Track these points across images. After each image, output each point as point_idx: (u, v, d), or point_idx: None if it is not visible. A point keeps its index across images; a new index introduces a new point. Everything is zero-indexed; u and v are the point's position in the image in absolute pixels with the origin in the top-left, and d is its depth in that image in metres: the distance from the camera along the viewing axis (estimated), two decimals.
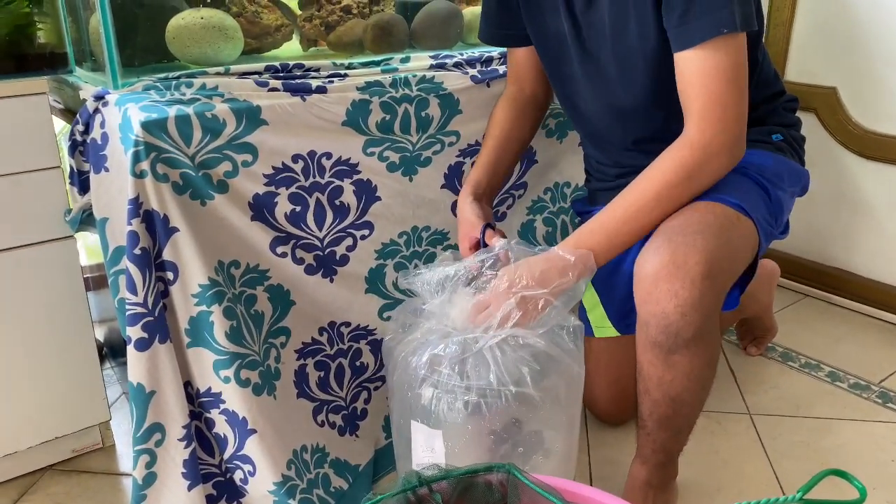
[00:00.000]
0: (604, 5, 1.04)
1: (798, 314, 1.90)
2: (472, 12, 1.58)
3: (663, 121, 1.02)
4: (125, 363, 1.11)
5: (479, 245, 1.14)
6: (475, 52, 1.46)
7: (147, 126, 1.03)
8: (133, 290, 1.06)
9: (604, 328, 1.33)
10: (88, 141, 1.15)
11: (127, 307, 1.07)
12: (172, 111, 1.06)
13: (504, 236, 1.14)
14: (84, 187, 1.19)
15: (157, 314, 1.08)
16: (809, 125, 1.86)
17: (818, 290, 1.96)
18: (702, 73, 0.93)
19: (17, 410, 1.27)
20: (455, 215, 1.42)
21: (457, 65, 1.39)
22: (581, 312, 1.39)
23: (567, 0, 1.09)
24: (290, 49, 1.48)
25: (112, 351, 1.70)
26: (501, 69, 1.41)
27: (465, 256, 1.16)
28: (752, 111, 1.10)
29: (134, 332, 1.07)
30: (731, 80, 0.93)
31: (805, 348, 1.73)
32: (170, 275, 1.09)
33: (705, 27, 0.91)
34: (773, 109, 1.16)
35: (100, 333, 1.64)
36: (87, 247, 1.53)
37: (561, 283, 0.93)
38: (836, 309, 1.92)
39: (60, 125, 1.33)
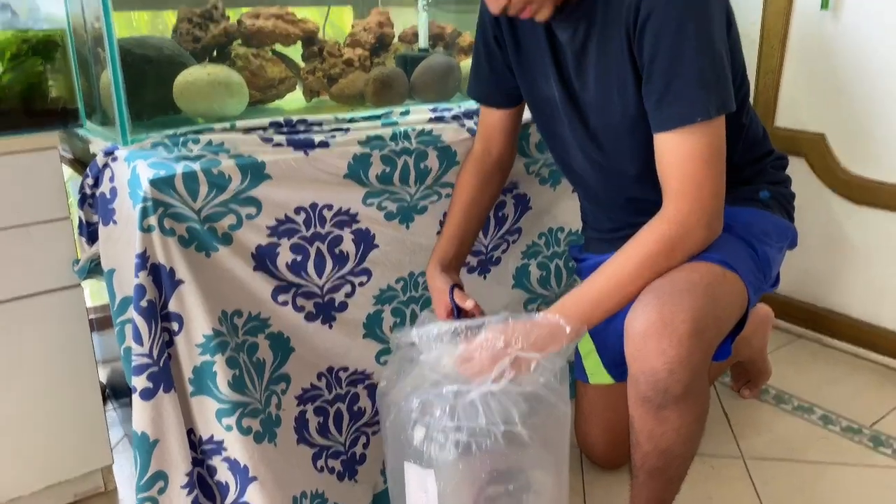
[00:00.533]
0: (590, 77, 1.08)
1: (792, 355, 1.92)
2: (469, 65, 1.63)
3: (654, 184, 1.06)
4: (127, 404, 1.14)
5: (453, 309, 1.18)
6: (473, 105, 1.51)
7: (155, 183, 1.07)
8: (139, 341, 1.09)
9: (599, 375, 1.36)
10: (98, 194, 1.19)
11: (133, 357, 1.10)
12: (180, 168, 1.10)
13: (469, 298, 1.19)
14: (92, 238, 1.23)
15: (161, 364, 1.11)
16: (800, 170, 1.90)
17: (811, 332, 1.99)
18: (677, 155, 0.97)
19: (23, 454, 1.29)
20: None
21: (454, 117, 1.44)
22: (577, 359, 1.42)
23: (557, 68, 1.13)
24: (294, 100, 1.52)
25: (114, 392, 1.72)
26: None
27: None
28: (739, 172, 1.15)
29: (139, 382, 1.10)
30: (706, 160, 0.96)
31: (798, 390, 1.75)
32: (175, 325, 1.12)
33: (680, 114, 0.96)
34: (762, 169, 1.20)
35: (102, 374, 1.67)
36: (92, 289, 1.57)
37: (554, 347, 0.97)
38: (829, 350, 1.95)
39: (68, 173, 1.37)
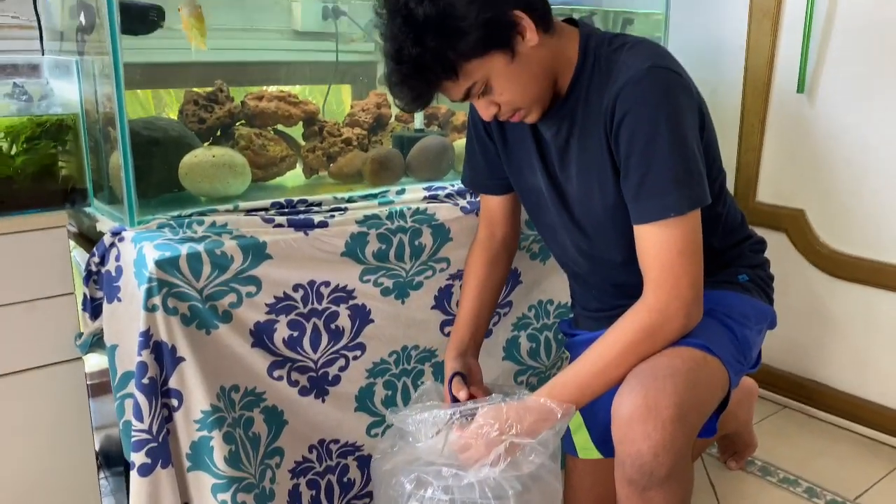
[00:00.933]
0: (573, 171, 1.15)
1: (777, 426, 1.96)
2: (462, 145, 1.70)
3: (639, 270, 1.12)
4: (120, 473, 1.16)
5: (451, 399, 1.22)
6: None
7: (161, 264, 1.12)
8: (140, 417, 1.12)
9: (588, 450, 1.38)
10: (103, 272, 1.23)
11: (133, 433, 1.13)
12: (184, 249, 1.15)
13: (480, 384, 1.24)
14: (95, 313, 1.27)
15: (160, 440, 1.14)
16: (781, 244, 1.97)
17: (796, 402, 2.03)
18: (655, 246, 1.03)
19: None
20: (444, 335, 1.51)
21: (448, 196, 1.50)
22: (566, 433, 1.44)
23: (543, 161, 1.20)
24: (294, 177, 1.58)
25: (107, 460, 1.73)
26: None
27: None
28: (718, 257, 1.20)
29: (138, 458, 1.12)
30: (683, 251, 1.02)
31: (784, 462, 1.78)
32: (175, 401, 1.15)
33: (654, 209, 1.02)
34: (740, 253, 1.25)
35: (96, 441, 1.68)
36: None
37: (547, 432, 1.01)
38: (815, 421, 1.98)
39: (73, 247, 1.42)
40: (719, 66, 2.06)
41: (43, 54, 1.45)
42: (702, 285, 1.05)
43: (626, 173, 1.05)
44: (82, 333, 1.29)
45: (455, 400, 1.21)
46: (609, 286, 1.24)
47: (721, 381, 1.07)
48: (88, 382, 1.56)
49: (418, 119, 1.72)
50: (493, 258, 1.36)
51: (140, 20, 1.29)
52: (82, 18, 1.31)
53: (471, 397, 1.20)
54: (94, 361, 1.56)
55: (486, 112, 1.08)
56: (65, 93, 1.35)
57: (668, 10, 1.94)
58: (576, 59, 1.10)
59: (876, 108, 1.77)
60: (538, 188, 1.23)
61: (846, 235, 1.88)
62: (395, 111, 1.74)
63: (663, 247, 1.02)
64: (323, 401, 1.35)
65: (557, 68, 1.10)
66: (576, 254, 1.24)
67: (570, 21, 1.16)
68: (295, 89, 1.62)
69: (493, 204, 1.36)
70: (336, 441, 1.38)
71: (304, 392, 1.32)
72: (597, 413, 1.34)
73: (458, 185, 1.57)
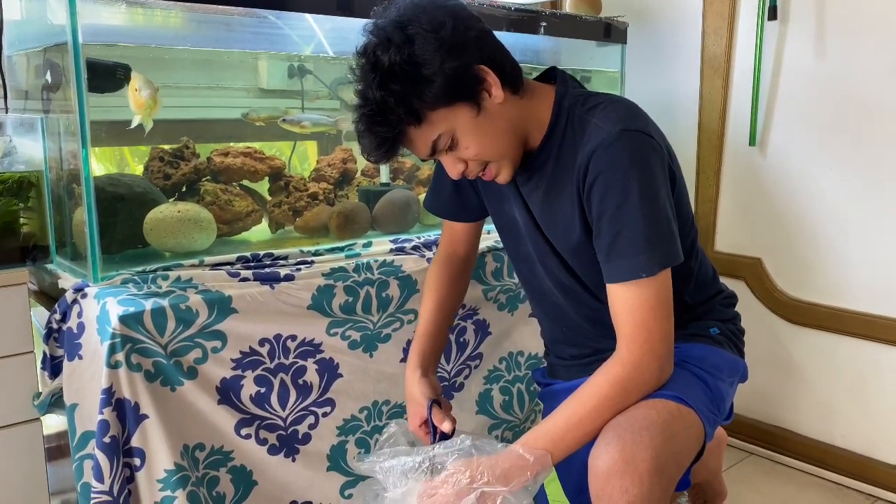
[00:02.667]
0: (545, 221, 1.17)
1: (744, 473, 1.96)
2: None
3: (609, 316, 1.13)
4: None
5: (429, 423, 1.20)
6: (431, 235, 1.59)
7: (124, 319, 1.10)
8: (100, 479, 1.09)
9: (560, 502, 1.37)
10: (64, 329, 1.20)
11: (92, 495, 1.09)
12: (149, 304, 1.13)
13: (450, 410, 1.21)
14: (55, 372, 1.24)
15: (121, 501, 1.10)
16: (740, 292, 1.99)
17: (762, 449, 2.05)
18: (627, 304, 1.05)
19: None
20: None
21: (415, 248, 1.51)
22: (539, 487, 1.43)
23: (520, 194, 1.22)
24: (260, 231, 1.58)
25: None
26: None
27: (416, 434, 1.22)
28: (690, 311, 1.22)
29: None
30: (654, 307, 1.04)
31: None
32: (137, 461, 1.12)
33: (625, 269, 1.04)
34: (711, 307, 1.28)
35: None
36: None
37: (519, 481, 0.99)
38: (781, 467, 1.99)
39: (33, 305, 1.39)
40: (674, 120, 2.14)
41: (7, 112, 1.45)
42: (673, 340, 1.07)
43: (598, 233, 1.07)
44: (41, 393, 1.25)
45: (440, 432, 1.18)
46: (585, 324, 1.24)
47: (696, 431, 1.08)
48: (46, 445, 1.51)
49: (384, 173, 1.74)
50: (454, 274, 1.36)
51: (106, 78, 1.30)
52: (48, 76, 1.31)
53: (454, 422, 1.18)
54: (51, 423, 1.52)
55: (453, 170, 1.10)
56: (28, 150, 1.34)
57: (624, 67, 2.02)
58: (548, 120, 1.13)
59: (824, 160, 1.85)
60: (514, 218, 1.24)
61: (803, 283, 1.93)
62: (360, 166, 1.76)
63: (635, 304, 1.04)
64: (293, 460, 1.32)
65: (527, 127, 1.12)
66: (553, 288, 1.25)
67: (550, 71, 1.19)
68: (260, 145, 1.64)
69: (458, 228, 1.37)
70: (309, 503, 1.35)
71: (273, 451, 1.29)
72: (570, 464, 1.34)
73: (425, 237, 1.59)
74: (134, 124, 1.30)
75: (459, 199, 1.34)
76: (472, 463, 1.00)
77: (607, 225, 1.05)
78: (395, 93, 0.99)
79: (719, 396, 1.15)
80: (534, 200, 1.19)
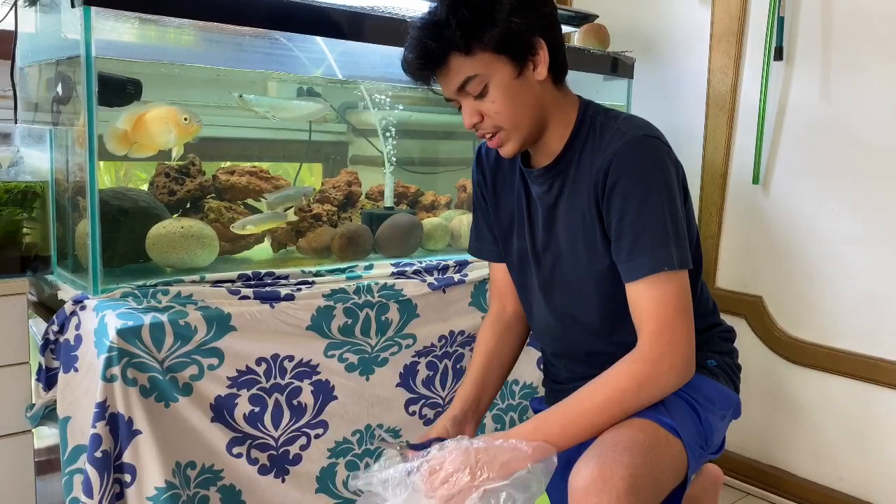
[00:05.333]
0: (560, 230, 1.17)
1: None
2: (431, 223, 1.73)
3: (612, 339, 1.12)
4: None
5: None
6: (433, 261, 1.59)
7: (122, 333, 1.10)
8: (89, 494, 1.08)
9: None
10: (61, 341, 1.20)
11: None
12: (147, 319, 1.13)
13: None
14: (50, 384, 1.23)
15: None
16: (740, 330, 2.00)
17: (758, 489, 2.02)
18: (651, 302, 1.05)
19: None
20: (409, 414, 1.49)
21: (416, 272, 1.51)
22: None
23: (529, 221, 1.22)
24: (262, 250, 1.58)
25: None
26: (457, 277, 1.54)
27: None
28: None
29: None
30: (678, 308, 1.05)
31: None
32: (127, 477, 1.11)
33: (649, 263, 1.05)
34: (710, 338, 1.27)
35: None
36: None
37: (520, 473, 0.98)
38: None
39: (31, 316, 1.38)
40: (679, 155, 2.12)
41: (16, 123, 1.46)
42: (694, 347, 1.07)
43: (618, 235, 1.08)
44: (34, 404, 1.24)
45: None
46: (582, 355, 1.24)
47: (679, 463, 1.07)
48: (36, 459, 1.50)
49: (388, 197, 1.75)
50: (504, 329, 1.34)
51: (117, 93, 1.31)
52: (59, 89, 1.32)
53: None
54: (42, 438, 1.50)
55: (469, 117, 1.11)
56: (36, 161, 1.35)
57: (630, 101, 2.04)
58: (574, 122, 1.16)
59: (826, 200, 1.85)
60: (523, 250, 1.24)
61: (803, 322, 1.92)
62: (365, 189, 1.76)
63: (660, 303, 1.04)
64: (283, 481, 1.31)
65: (551, 116, 1.15)
66: (552, 320, 1.24)
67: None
68: (267, 166, 1.65)
69: (500, 274, 1.35)
70: None
71: (263, 471, 1.28)
72: (556, 482, 1.32)
73: (426, 261, 1.58)
74: (175, 156, 1.35)
75: (492, 235, 1.33)
76: (469, 458, 0.98)
77: (630, 224, 1.06)
78: (460, 16, 1.03)
79: (709, 430, 1.14)
80: (548, 221, 1.19)
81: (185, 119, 1.31)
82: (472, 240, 1.37)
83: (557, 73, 1.12)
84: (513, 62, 1.07)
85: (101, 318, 1.13)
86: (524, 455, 1.00)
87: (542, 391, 1.67)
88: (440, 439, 1.19)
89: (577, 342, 1.25)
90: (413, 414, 1.49)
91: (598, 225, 1.12)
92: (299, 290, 1.33)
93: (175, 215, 1.45)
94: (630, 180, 1.06)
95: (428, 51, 1.06)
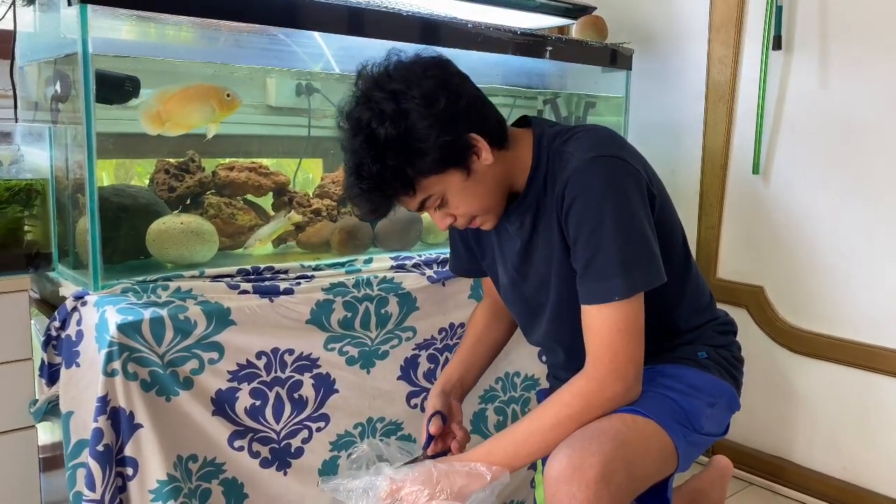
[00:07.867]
0: (537, 260, 1.18)
1: None
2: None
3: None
4: None
5: (427, 438, 1.21)
6: (432, 254, 1.59)
7: (122, 328, 1.11)
8: (92, 487, 1.09)
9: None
10: (63, 336, 1.21)
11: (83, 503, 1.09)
12: (147, 313, 1.14)
13: (460, 425, 1.23)
14: (52, 380, 1.24)
15: None
16: (742, 320, 1.99)
17: (762, 479, 2.02)
18: (596, 323, 1.07)
19: None
20: (410, 407, 1.49)
21: (415, 265, 1.52)
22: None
23: (510, 252, 1.23)
24: (262, 246, 1.59)
25: None
26: None
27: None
28: (682, 335, 1.23)
29: None
30: (622, 330, 1.06)
31: None
32: (129, 470, 1.12)
33: (598, 293, 1.06)
34: (704, 333, 1.27)
35: None
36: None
37: (477, 496, 1.03)
38: (781, 499, 1.97)
39: (33, 313, 1.39)
40: (678, 147, 2.15)
41: (17, 121, 1.47)
42: (641, 363, 1.08)
43: (574, 256, 1.10)
44: (37, 400, 1.25)
45: (429, 435, 1.19)
46: (573, 369, 1.25)
47: (658, 441, 1.07)
48: (41, 456, 1.51)
49: None
50: (496, 313, 1.37)
51: (115, 90, 1.32)
52: (58, 87, 1.33)
53: (443, 432, 1.20)
54: (46, 434, 1.52)
55: (441, 223, 1.13)
56: (36, 159, 1.36)
57: (629, 93, 2.04)
58: (531, 161, 1.15)
59: (827, 189, 1.85)
60: (505, 278, 1.26)
61: (805, 312, 1.92)
62: None
63: (605, 325, 1.06)
64: (285, 474, 1.32)
65: (512, 176, 1.15)
66: (541, 339, 1.27)
67: (522, 119, 1.22)
68: (266, 161, 1.65)
69: (488, 280, 1.38)
70: None
71: (265, 464, 1.29)
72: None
73: (426, 254, 1.59)
74: (210, 135, 1.36)
75: (470, 256, 1.35)
76: (430, 479, 1.02)
77: (582, 249, 1.07)
78: (390, 167, 1.02)
79: (693, 413, 1.14)
80: (525, 253, 1.20)
81: (228, 95, 1.31)
82: (451, 259, 1.40)
83: (500, 141, 1.12)
84: (458, 169, 1.07)
85: (101, 314, 1.14)
86: (483, 480, 1.05)
87: (544, 383, 1.68)
88: (440, 413, 1.21)
89: (568, 359, 1.26)
90: (415, 407, 1.49)
91: (565, 249, 1.14)
92: (299, 284, 1.33)
93: (175, 211, 1.46)
94: (581, 205, 1.07)
95: (377, 206, 1.08)
